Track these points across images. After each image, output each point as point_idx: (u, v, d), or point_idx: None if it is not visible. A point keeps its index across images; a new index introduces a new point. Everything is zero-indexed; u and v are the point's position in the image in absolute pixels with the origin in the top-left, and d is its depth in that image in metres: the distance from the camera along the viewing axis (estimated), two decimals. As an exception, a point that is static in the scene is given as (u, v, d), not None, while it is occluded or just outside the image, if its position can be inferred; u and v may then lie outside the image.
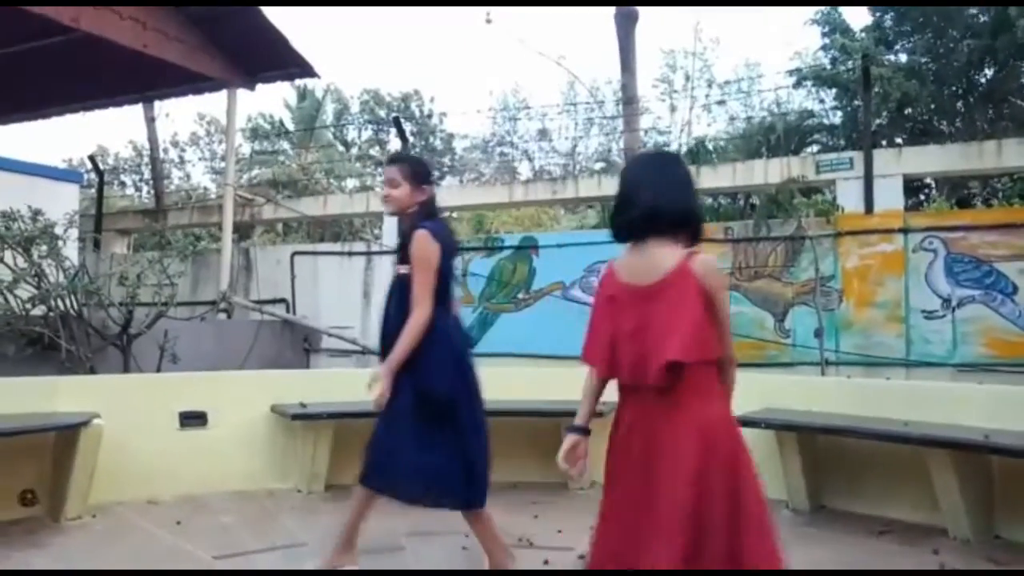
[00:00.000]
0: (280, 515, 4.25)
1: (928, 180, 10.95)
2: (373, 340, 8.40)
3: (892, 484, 4.14)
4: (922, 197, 11.69)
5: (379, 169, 20.33)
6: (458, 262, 8.32)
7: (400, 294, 3.00)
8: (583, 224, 12.77)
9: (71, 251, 6.89)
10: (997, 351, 6.09)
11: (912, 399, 4.32)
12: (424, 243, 2.96)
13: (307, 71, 8.93)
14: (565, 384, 5.19)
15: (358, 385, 5.31)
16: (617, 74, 12.38)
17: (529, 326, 7.73)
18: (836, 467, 4.35)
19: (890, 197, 6.72)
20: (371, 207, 9.28)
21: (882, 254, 6.54)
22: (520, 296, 7.93)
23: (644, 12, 11.09)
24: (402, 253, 3.04)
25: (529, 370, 6.53)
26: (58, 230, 6.39)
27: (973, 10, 11.70)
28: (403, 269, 2.99)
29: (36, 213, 6.35)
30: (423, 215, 3.05)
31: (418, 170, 3.11)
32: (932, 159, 7.08)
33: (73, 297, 6.28)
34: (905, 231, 6.50)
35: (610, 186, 8.19)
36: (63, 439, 4.07)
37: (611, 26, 10.94)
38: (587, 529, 3.85)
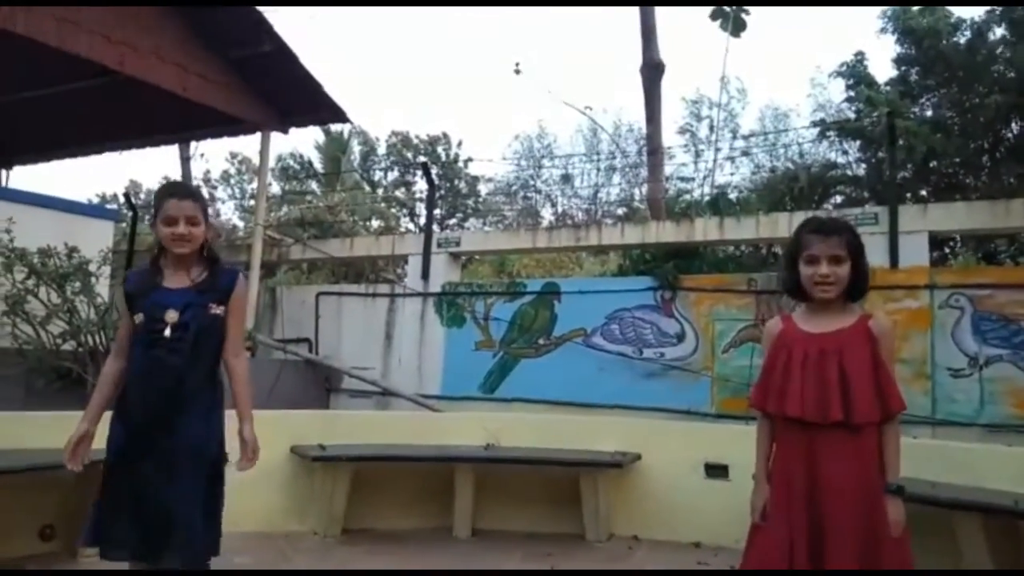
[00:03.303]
0: (295, 557, 4.24)
1: (954, 235, 10.86)
2: (394, 381, 8.47)
3: (917, 545, 4.03)
4: (947, 251, 11.58)
5: (404, 210, 20.63)
6: (480, 306, 8.43)
7: (210, 338, 2.58)
8: (605, 269, 12.79)
9: (103, 287, 7.05)
10: (1026, 411, 5.95)
11: (939, 459, 4.23)
12: (246, 287, 2.83)
13: (339, 116, 9.15)
14: (581, 433, 5.20)
15: (377, 427, 5.37)
16: (640, 119, 12.53)
17: (549, 372, 7.71)
18: (860, 528, 4.25)
19: (915, 253, 6.67)
20: (396, 249, 9.40)
21: (908, 310, 6.48)
22: (541, 342, 7.93)
23: (671, 61, 11.25)
24: (217, 293, 2.60)
25: (545, 417, 6.49)
26: (91, 267, 6.54)
27: (999, 65, 11.73)
28: (217, 309, 2.58)
29: (72, 250, 6.52)
30: (213, 255, 2.69)
31: (207, 207, 2.76)
32: (958, 216, 7.04)
33: (102, 333, 6.40)
34: (931, 287, 6.44)
35: (633, 234, 8.24)
36: (84, 475, 4.07)
37: (637, 78, 11.10)
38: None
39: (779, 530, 2.21)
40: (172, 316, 2.50)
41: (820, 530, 2.14)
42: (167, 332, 2.49)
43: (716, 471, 4.75)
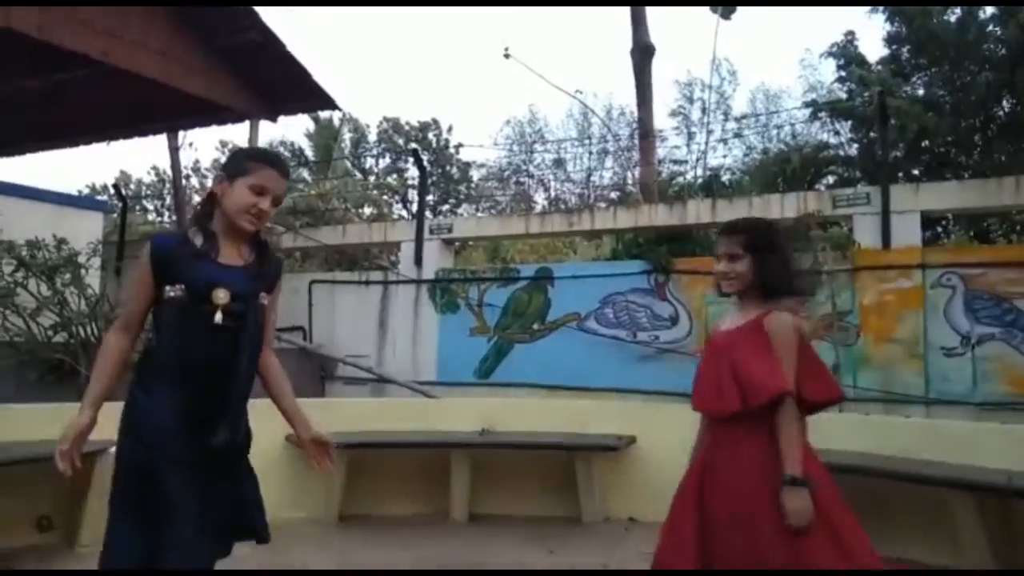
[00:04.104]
0: (294, 545, 4.25)
1: (946, 214, 10.89)
2: (389, 369, 8.46)
3: (912, 525, 4.08)
4: (939, 230, 11.61)
5: (396, 197, 20.55)
6: (474, 292, 8.42)
7: (259, 330, 2.22)
8: (599, 253, 12.78)
9: (93, 279, 7.01)
10: (1019, 389, 5.99)
11: (933, 438, 4.26)
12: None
13: (328, 103, 9.07)
14: (576, 417, 5.22)
15: (373, 414, 5.37)
16: (632, 102, 12.49)
17: (544, 357, 7.72)
18: (854, 506, 4.26)
19: (908, 232, 6.69)
20: (389, 236, 9.36)
21: (900, 290, 6.50)
22: (535, 327, 7.93)
23: (661, 43, 11.20)
24: (267, 281, 2.25)
25: (540, 401, 6.51)
26: (81, 258, 6.50)
27: (990, 43, 11.72)
28: (265, 299, 2.25)
29: (60, 242, 6.48)
30: (263, 237, 2.36)
31: None
32: (950, 195, 7.05)
33: (94, 324, 6.37)
34: (923, 267, 6.46)
35: (626, 218, 8.23)
36: (80, 466, 4.10)
37: (627, 58, 11.05)
38: (601, 564, 3.82)
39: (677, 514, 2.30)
40: (223, 297, 2.07)
41: (705, 517, 2.20)
42: (218, 317, 2.07)
43: (711, 453, 4.77)
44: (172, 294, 2.07)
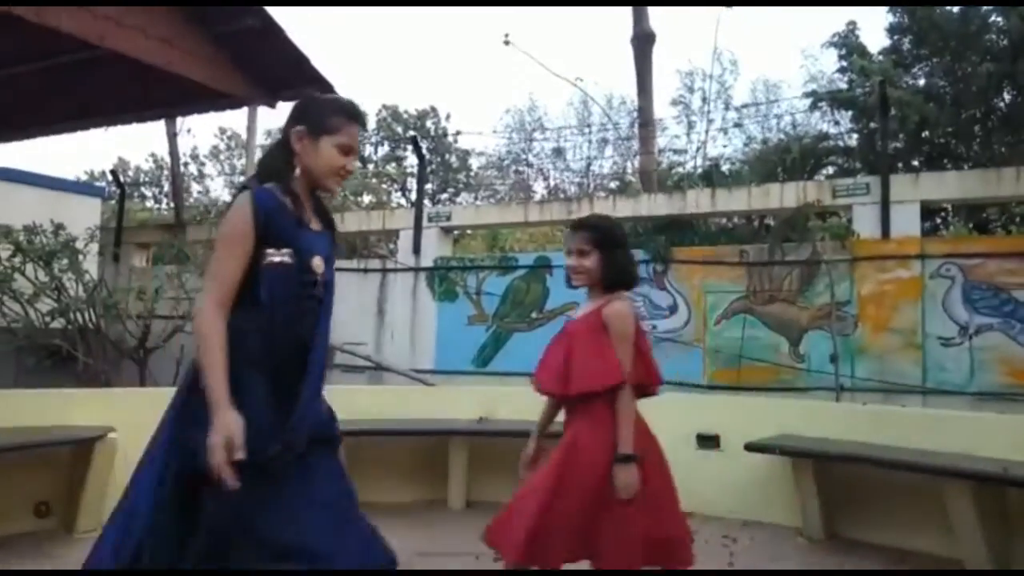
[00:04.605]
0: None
1: (945, 205, 10.88)
2: (387, 356, 8.46)
3: (908, 514, 4.09)
4: (938, 221, 11.60)
5: (395, 185, 20.50)
6: (472, 281, 8.41)
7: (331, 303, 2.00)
8: (597, 243, 12.75)
9: (91, 264, 6.99)
10: (1016, 379, 6.01)
11: (929, 428, 4.27)
12: None
13: (327, 89, 9.00)
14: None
15: (371, 402, 5.36)
16: (632, 92, 12.44)
17: (542, 346, 7.67)
18: (851, 495, 4.30)
19: (907, 223, 6.68)
20: (387, 224, 9.35)
21: (899, 280, 6.50)
22: (534, 315, 7.93)
23: (662, 32, 11.15)
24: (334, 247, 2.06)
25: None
26: (79, 244, 6.48)
27: (992, 34, 11.67)
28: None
29: (58, 227, 6.46)
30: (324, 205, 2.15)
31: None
32: (950, 185, 7.04)
33: (91, 310, 6.36)
34: (922, 257, 6.46)
35: (625, 207, 8.21)
36: (78, 452, 4.11)
37: (628, 48, 10.99)
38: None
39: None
40: (319, 265, 1.88)
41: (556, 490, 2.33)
42: (317, 287, 1.88)
43: (707, 441, 4.78)
44: (276, 259, 1.80)
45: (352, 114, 2.00)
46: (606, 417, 2.33)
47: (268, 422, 1.76)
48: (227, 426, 1.68)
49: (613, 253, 2.47)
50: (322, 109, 2.00)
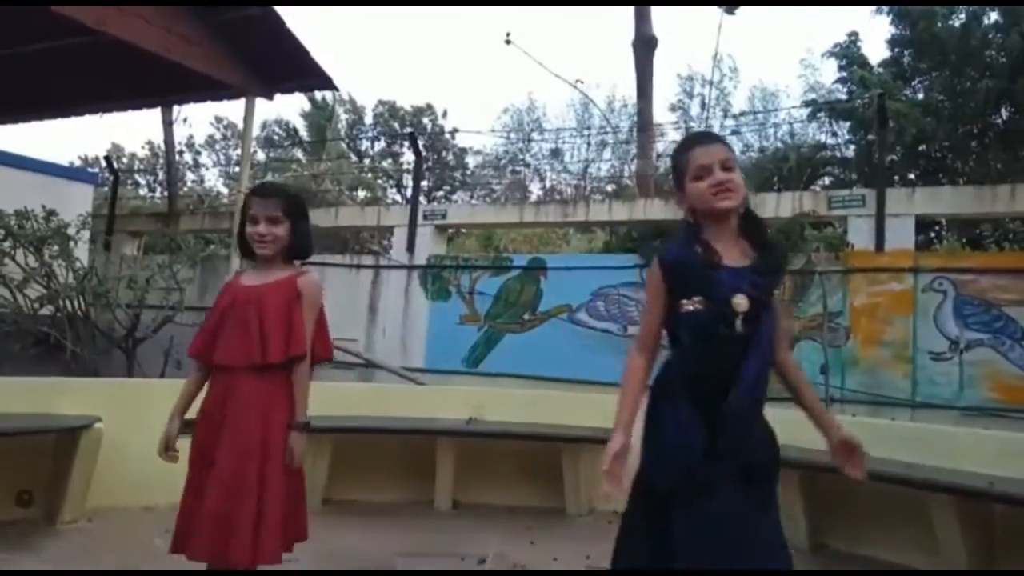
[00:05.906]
0: (275, 528, 4.22)
1: (939, 219, 10.92)
2: (378, 354, 8.42)
3: (893, 527, 4.10)
4: (932, 235, 11.65)
5: (390, 181, 20.47)
6: (465, 280, 8.39)
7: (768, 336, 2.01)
8: (592, 246, 12.77)
9: (82, 251, 6.93)
10: (1004, 396, 6.03)
11: (917, 442, 4.27)
12: None
13: (326, 83, 9.00)
14: (564, 408, 5.21)
15: (360, 399, 5.34)
16: (632, 95, 12.44)
17: (534, 347, 7.72)
18: (837, 507, 4.30)
19: (901, 236, 6.70)
20: (382, 221, 9.31)
21: (891, 293, 6.52)
22: (526, 317, 7.92)
23: (664, 36, 11.16)
24: (775, 276, 2.10)
25: (528, 392, 6.49)
26: (70, 230, 6.42)
27: (992, 50, 11.72)
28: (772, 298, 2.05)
29: (50, 213, 6.40)
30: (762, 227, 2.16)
31: None
32: (945, 200, 7.06)
33: (81, 298, 6.30)
34: (915, 271, 6.48)
35: (621, 211, 8.21)
36: (63, 441, 4.07)
37: (629, 51, 10.99)
38: (584, 557, 3.83)
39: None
40: (743, 304, 1.94)
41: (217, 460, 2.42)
42: (739, 325, 1.93)
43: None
44: (690, 308, 1.96)
45: (695, 142, 2.13)
46: (277, 383, 2.42)
47: (689, 440, 1.93)
48: (613, 445, 1.96)
49: (301, 223, 2.49)
50: (673, 162, 2.17)
